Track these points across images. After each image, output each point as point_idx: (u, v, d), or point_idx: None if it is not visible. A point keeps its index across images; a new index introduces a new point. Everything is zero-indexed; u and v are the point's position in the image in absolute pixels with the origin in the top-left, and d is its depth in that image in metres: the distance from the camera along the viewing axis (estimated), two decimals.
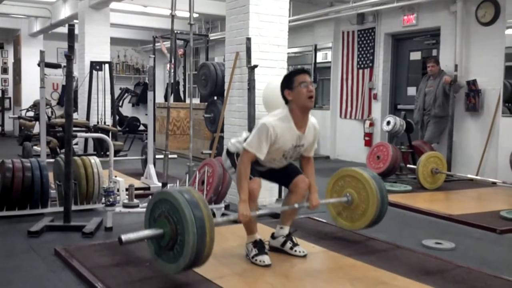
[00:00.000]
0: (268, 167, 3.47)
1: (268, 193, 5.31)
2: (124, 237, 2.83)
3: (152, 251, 3.03)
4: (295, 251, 3.54)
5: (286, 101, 3.36)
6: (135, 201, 4.40)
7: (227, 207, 4.81)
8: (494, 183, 6.51)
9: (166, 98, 13.59)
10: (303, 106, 3.30)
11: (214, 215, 4.59)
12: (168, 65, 11.88)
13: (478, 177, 6.83)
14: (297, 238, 3.66)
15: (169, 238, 2.88)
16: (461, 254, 3.84)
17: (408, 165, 7.23)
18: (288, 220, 3.64)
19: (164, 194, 2.96)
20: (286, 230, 3.61)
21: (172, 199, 2.86)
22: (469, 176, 6.82)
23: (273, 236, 3.64)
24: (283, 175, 3.57)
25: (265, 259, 3.30)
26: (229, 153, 3.51)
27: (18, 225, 4.30)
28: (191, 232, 2.75)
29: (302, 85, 3.27)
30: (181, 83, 13.72)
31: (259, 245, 3.36)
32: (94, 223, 4.25)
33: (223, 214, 4.64)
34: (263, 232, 3.67)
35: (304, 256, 3.53)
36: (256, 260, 3.32)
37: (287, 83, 3.35)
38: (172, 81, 7.11)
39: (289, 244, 3.56)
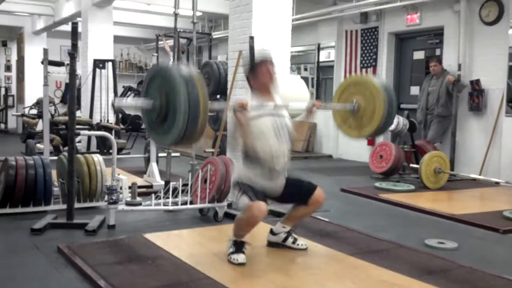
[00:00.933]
0: (274, 165, 3.37)
1: None
2: (116, 103, 3.07)
3: (146, 125, 3.13)
4: (297, 244, 3.63)
5: (250, 86, 3.57)
6: (138, 199, 4.40)
7: (229, 205, 4.81)
8: (497, 183, 6.49)
9: None
10: (264, 85, 3.49)
11: (217, 213, 4.61)
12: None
13: (481, 177, 6.81)
14: (299, 237, 3.69)
15: (159, 110, 2.95)
16: (463, 253, 3.83)
17: (411, 165, 7.23)
18: (293, 222, 3.67)
19: (158, 67, 3.10)
20: (287, 229, 3.67)
21: (166, 70, 2.96)
22: (472, 176, 6.80)
23: (272, 232, 3.68)
24: (298, 193, 3.54)
25: (240, 257, 3.30)
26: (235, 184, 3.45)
27: (21, 223, 4.30)
28: (183, 110, 2.79)
29: (263, 68, 3.48)
30: None
31: (238, 244, 3.37)
32: (97, 221, 4.25)
33: (225, 213, 4.64)
34: (263, 228, 3.68)
35: (305, 249, 3.61)
36: (230, 257, 3.33)
37: (251, 69, 3.54)
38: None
39: (290, 239, 3.64)
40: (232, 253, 3.34)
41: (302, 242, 3.65)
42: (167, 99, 2.91)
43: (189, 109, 2.80)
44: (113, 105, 3.03)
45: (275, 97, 3.55)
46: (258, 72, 3.48)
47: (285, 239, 3.63)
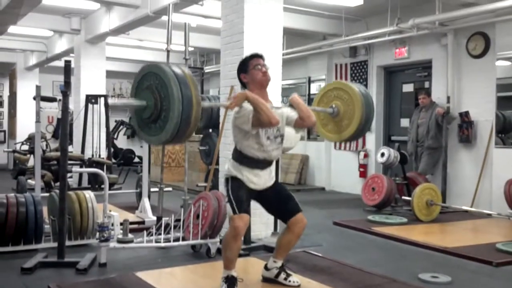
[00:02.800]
0: (261, 159, 3.43)
1: (264, 226, 5.30)
2: (111, 101, 3.00)
3: (135, 123, 3.14)
4: (289, 281, 3.59)
5: (244, 85, 3.53)
6: (130, 236, 4.37)
7: (222, 241, 4.78)
8: (489, 215, 6.50)
9: None
10: (259, 84, 3.46)
11: (209, 249, 4.58)
12: None
13: (473, 209, 6.83)
14: (292, 273, 3.68)
15: (152, 111, 2.97)
16: (457, 287, 3.81)
17: (403, 197, 7.24)
18: (282, 255, 3.65)
19: (155, 67, 3.03)
20: (279, 263, 3.65)
21: (162, 74, 2.93)
22: (464, 207, 6.81)
23: (266, 268, 3.68)
24: (282, 208, 3.56)
25: None
26: (226, 180, 3.49)
27: (12, 262, 4.25)
28: (176, 109, 2.81)
29: (256, 68, 3.46)
30: None
31: (230, 281, 3.36)
32: (88, 259, 4.21)
33: (218, 249, 4.61)
34: (257, 266, 3.65)
35: (298, 286, 3.58)
36: None
37: (242, 67, 3.53)
38: None
39: (283, 275, 3.61)
40: None
41: (294, 279, 3.62)
42: (160, 99, 2.94)
43: (182, 109, 2.84)
44: (106, 104, 3.10)
45: (269, 97, 3.52)
46: (250, 67, 3.47)
47: (278, 274, 3.62)
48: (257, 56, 3.52)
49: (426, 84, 8.36)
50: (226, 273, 3.39)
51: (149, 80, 3.04)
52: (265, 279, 3.68)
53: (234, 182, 3.41)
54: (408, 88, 8.85)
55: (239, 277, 3.43)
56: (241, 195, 3.37)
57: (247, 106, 3.29)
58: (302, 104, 3.54)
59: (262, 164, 3.46)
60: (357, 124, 3.90)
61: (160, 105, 2.94)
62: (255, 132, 3.34)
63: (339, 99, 4.01)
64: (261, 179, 3.45)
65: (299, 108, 3.52)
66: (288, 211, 3.52)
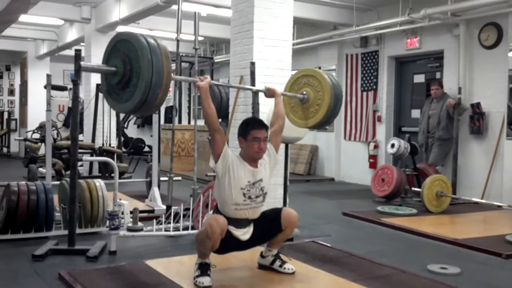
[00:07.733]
0: (244, 218, 3.45)
1: None
2: (83, 64, 3.28)
3: (104, 88, 3.18)
4: (284, 268, 3.62)
5: (240, 146, 3.52)
6: (139, 224, 4.40)
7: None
8: (499, 207, 6.46)
9: (164, 121, 13.87)
10: (251, 157, 3.46)
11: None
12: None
13: (483, 201, 6.79)
14: (301, 262, 3.68)
15: (120, 78, 3.00)
16: (466, 279, 3.81)
17: (413, 188, 7.21)
18: (277, 244, 3.68)
19: (128, 35, 3.07)
20: (274, 251, 3.68)
21: (134, 42, 2.96)
22: (474, 199, 6.77)
23: (261, 255, 3.71)
24: (269, 225, 3.55)
25: (205, 280, 3.31)
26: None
27: (23, 249, 4.29)
28: (145, 79, 2.85)
29: (255, 141, 3.41)
30: (185, 104, 13.80)
31: (203, 267, 3.37)
32: (98, 246, 4.25)
33: None
34: (254, 252, 3.67)
35: (293, 273, 3.60)
36: (196, 281, 3.33)
37: (243, 132, 3.48)
38: (177, 104, 7.21)
39: (278, 263, 3.64)
40: (198, 276, 3.34)
41: (289, 266, 3.63)
42: (131, 67, 2.98)
43: (151, 79, 2.87)
44: (79, 68, 3.17)
45: (259, 164, 3.50)
46: (249, 137, 3.42)
47: (273, 262, 3.65)
48: (259, 127, 3.45)
49: (438, 75, 8.30)
50: (199, 260, 3.41)
51: (121, 47, 3.07)
52: (261, 266, 3.70)
53: None
54: (419, 78, 8.79)
55: (213, 264, 3.42)
56: None
57: (228, 153, 3.40)
58: (281, 101, 3.75)
59: (246, 221, 3.48)
60: (324, 112, 4.01)
61: (130, 73, 2.97)
62: (227, 183, 3.36)
63: (310, 86, 4.11)
64: (245, 233, 3.46)
65: (279, 104, 3.72)
66: (275, 222, 3.52)
